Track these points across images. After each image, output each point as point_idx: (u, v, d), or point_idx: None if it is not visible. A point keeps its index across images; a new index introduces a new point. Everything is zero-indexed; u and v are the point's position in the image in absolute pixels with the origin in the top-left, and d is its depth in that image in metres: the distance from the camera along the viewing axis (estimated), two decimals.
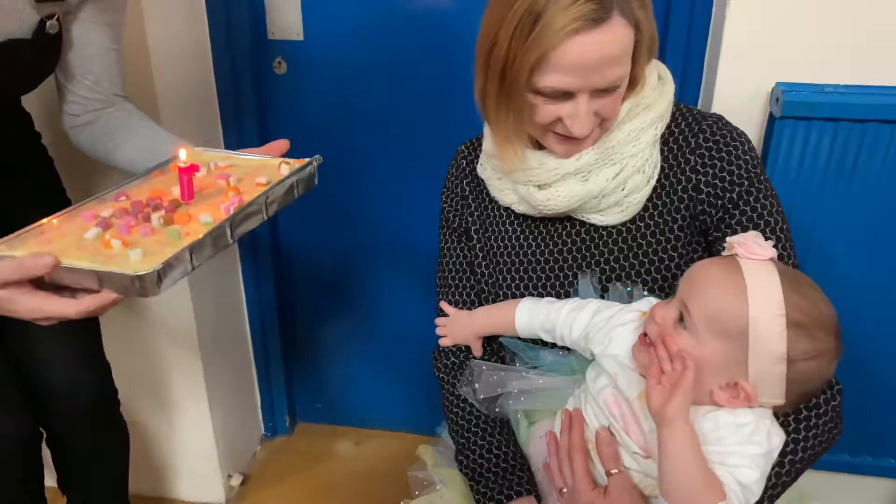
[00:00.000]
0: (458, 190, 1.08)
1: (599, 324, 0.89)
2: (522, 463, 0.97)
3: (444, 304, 1.09)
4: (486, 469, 0.96)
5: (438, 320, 1.10)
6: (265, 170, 0.98)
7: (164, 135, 1.14)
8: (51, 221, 0.88)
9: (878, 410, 1.52)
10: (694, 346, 0.76)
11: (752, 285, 0.74)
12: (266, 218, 0.92)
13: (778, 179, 1.33)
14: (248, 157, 1.04)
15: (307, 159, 0.98)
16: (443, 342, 1.08)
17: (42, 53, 1.04)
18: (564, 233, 0.99)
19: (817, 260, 1.37)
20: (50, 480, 1.80)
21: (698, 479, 0.73)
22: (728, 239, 0.81)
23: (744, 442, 0.76)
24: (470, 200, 1.07)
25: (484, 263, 1.05)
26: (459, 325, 1.05)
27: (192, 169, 0.92)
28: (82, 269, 0.77)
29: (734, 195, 0.89)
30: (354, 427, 2.11)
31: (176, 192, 0.92)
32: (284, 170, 0.98)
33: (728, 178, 0.90)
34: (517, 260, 1.02)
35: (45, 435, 1.39)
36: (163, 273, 0.76)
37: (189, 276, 1.57)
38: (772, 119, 1.33)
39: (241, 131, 1.71)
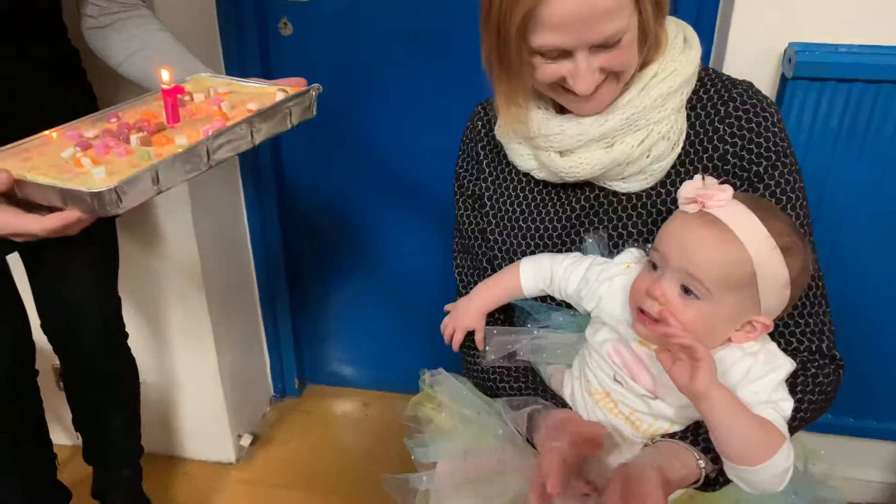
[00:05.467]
0: (473, 153, 1.06)
1: (590, 278, 0.90)
2: (554, 394, 0.95)
3: (448, 307, 1.06)
4: (522, 388, 0.96)
5: (444, 321, 1.06)
6: (260, 98, 0.95)
7: (180, 52, 1.11)
8: (50, 134, 0.88)
9: (883, 374, 1.52)
10: (711, 310, 0.77)
11: (739, 231, 0.76)
12: (254, 145, 0.90)
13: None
14: (251, 85, 1.01)
15: (305, 87, 0.95)
16: (455, 341, 1.04)
17: None
18: (583, 197, 0.97)
19: (828, 223, 1.36)
20: (66, 439, 1.83)
21: (756, 433, 0.73)
22: (680, 197, 0.80)
23: (770, 370, 0.79)
24: (484, 165, 1.04)
25: (497, 230, 1.03)
26: (462, 312, 1.02)
27: (177, 91, 0.90)
28: (44, 184, 0.78)
29: (760, 169, 0.88)
30: (363, 389, 2.13)
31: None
32: (280, 97, 0.95)
33: (756, 150, 0.88)
34: (533, 226, 1.00)
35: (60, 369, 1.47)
36: (121, 191, 0.76)
37: (196, 236, 1.58)
38: (784, 80, 1.31)
39: None
